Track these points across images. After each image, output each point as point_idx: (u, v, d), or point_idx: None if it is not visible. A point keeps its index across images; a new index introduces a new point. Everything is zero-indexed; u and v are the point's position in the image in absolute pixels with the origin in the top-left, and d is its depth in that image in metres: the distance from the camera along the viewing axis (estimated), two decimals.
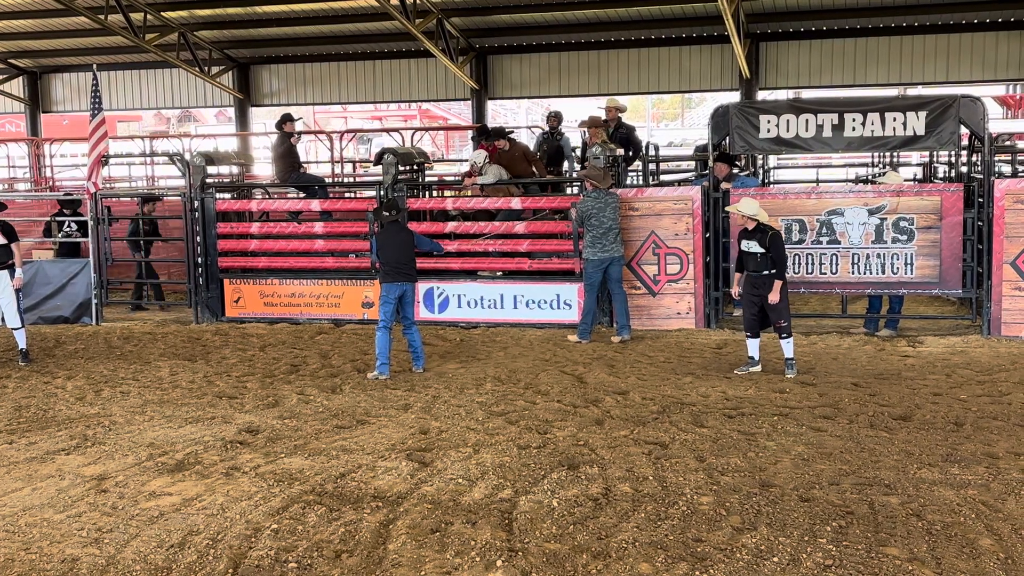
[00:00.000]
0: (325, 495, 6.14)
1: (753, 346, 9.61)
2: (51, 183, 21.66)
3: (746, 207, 9.43)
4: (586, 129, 13.94)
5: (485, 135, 14.06)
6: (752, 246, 9.42)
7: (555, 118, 15.16)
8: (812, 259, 11.39)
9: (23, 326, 10.90)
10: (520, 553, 5.16)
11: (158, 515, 5.82)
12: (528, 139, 21.94)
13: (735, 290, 9.83)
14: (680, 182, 14.06)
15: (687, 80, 21.44)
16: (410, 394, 8.89)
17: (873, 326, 11.61)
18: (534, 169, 13.57)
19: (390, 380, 9.49)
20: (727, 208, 10.62)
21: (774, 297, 9.34)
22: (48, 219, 15.07)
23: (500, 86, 22.02)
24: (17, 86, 24.05)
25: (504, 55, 21.83)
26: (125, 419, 8.21)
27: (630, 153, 13.90)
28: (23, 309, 11.15)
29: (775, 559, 5.05)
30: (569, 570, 4.97)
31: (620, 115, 14.40)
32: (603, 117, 14.35)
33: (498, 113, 29.62)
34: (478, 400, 8.59)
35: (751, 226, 9.43)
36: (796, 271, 11.33)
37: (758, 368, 9.52)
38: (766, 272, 9.37)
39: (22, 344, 10.80)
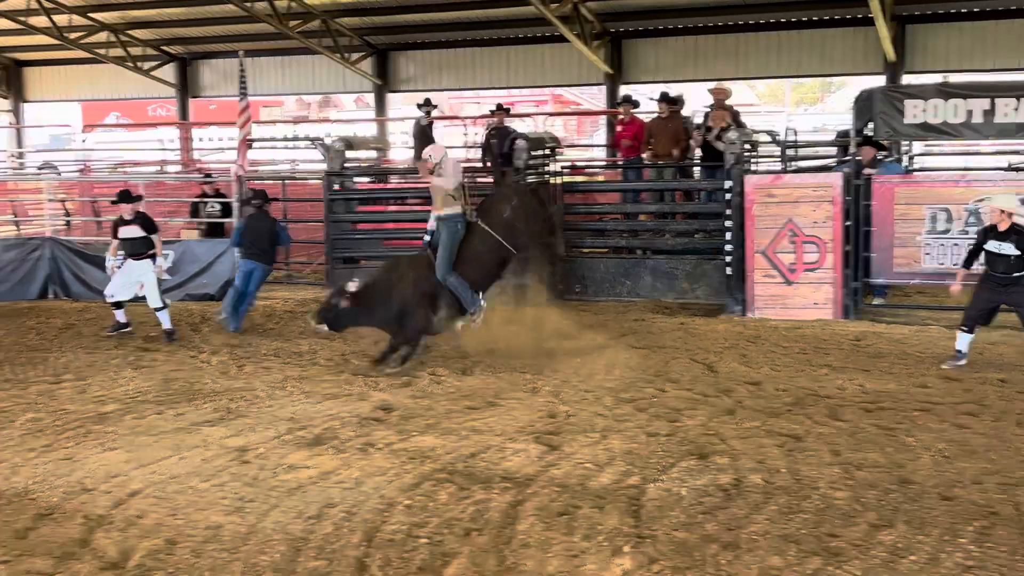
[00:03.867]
0: (456, 474, 6.24)
1: (965, 340, 9.09)
2: (198, 165, 22.58)
3: (1005, 202, 8.75)
4: (707, 112, 13.68)
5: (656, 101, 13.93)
6: (1006, 247, 8.67)
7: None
8: (958, 250, 10.90)
9: (166, 307, 11.41)
10: (648, 540, 5.14)
11: (296, 487, 6.03)
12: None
13: (956, 288, 9.24)
14: (819, 168, 13.67)
15: (828, 63, 20.77)
16: (539, 377, 8.93)
17: None
18: (675, 152, 13.42)
19: (519, 362, 9.53)
20: (980, 201, 10.06)
21: None
22: (195, 200, 15.72)
23: (634, 70, 21.79)
24: (169, 72, 25.07)
25: (639, 39, 21.59)
26: (266, 393, 8.52)
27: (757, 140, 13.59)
28: (172, 286, 11.70)
29: (913, 557, 4.89)
30: (698, 559, 4.92)
31: (725, 99, 14.04)
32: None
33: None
34: (607, 386, 8.57)
35: (1004, 225, 8.70)
36: (941, 262, 10.89)
37: (963, 362, 9.09)
38: (1017, 274, 8.69)
39: (167, 325, 11.30)
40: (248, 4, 19.53)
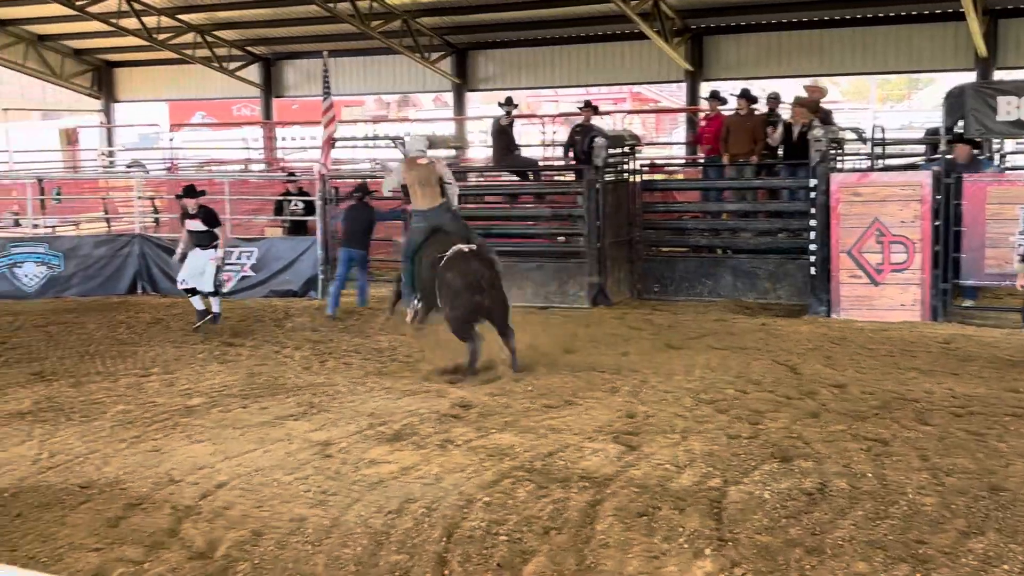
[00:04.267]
0: (534, 472, 6.24)
1: None
2: (281, 164, 22.97)
3: None
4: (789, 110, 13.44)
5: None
6: None
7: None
8: None
9: (219, 293, 12.01)
10: (730, 543, 5.08)
11: (378, 482, 6.09)
12: None
13: (1021, 282, 9.25)
14: (907, 166, 13.35)
15: (916, 59, 20.24)
16: (617, 377, 8.88)
17: None
18: (753, 149, 13.25)
19: (597, 361, 9.49)
20: None
21: None
22: (278, 198, 16.00)
23: (715, 67, 21.52)
24: (253, 72, 25.54)
25: (720, 35, 21.33)
26: (348, 389, 8.63)
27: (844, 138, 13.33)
28: (256, 282, 12.00)
29: (1005, 566, 4.75)
30: (781, 564, 4.84)
31: (820, 98, 13.77)
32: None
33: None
34: (687, 387, 8.48)
35: None
36: None
37: None
38: None
39: (215, 308, 11.85)
40: (331, 5, 19.81)
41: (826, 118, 13.49)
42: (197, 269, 11.70)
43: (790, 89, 20.58)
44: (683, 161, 18.65)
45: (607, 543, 5.09)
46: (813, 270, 11.80)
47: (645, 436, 7.00)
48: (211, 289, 11.84)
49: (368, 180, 15.27)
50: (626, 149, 13.83)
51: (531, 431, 7.18)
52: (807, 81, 14.59)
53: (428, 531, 5.29)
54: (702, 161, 14.67)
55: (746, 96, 13.57)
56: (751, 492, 5.80)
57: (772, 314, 12.00)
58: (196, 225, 11.70)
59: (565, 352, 10.02)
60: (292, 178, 15.76)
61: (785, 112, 13.52)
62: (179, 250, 11.94)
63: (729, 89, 15.32)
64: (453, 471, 6.27)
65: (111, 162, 25.73)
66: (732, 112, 13.86)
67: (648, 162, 14.92)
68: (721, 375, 8.91)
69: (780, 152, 13.35)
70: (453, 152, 15.78)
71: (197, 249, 11.72)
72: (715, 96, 14.28)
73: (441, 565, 4.91)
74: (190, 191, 11.75)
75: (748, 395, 8.16)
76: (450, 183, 10.06)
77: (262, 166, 23.72)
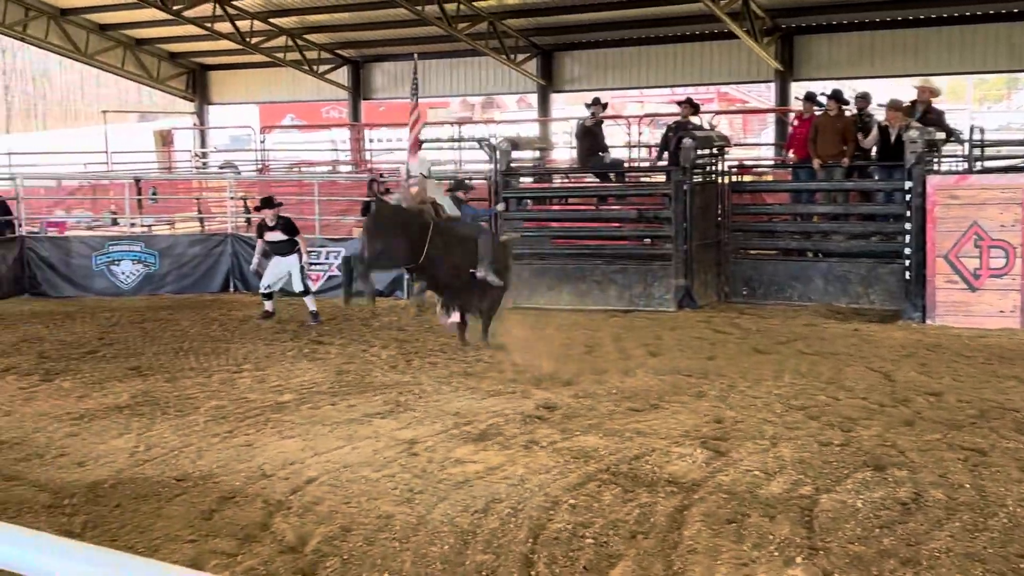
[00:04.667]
0: (620, 475, 6.20)
1: None
2: (369, 166, 23.25)
3: None
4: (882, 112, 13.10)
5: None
6: None
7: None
8: None
9: (309, 292, 12.37)
10: (821, 552, 4.97)
11: (463, 481, 6.12)
12: None
13: None
14: (1008, 168, 12.91)
15: (1018, 59, 19.55)
16: (703, 381, 8.78)
17: None
18: (845, 150, 12.96)
19: (683, 365, 9.39)
20: None
21: None
22: (366, 199, 16.19)
23: (806, 67, 21.13)
24: (342, 75, 25.92)
25: (811, 35, 20.94)
26: (433, 388, 8.69)
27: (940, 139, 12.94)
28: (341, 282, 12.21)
29: None
30: (875, 574, 4.72)
31: (932, 99, 13.38)
32: (914, 98, 13.41)
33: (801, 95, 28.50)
34: (776, 392, 8.34)
35: None
36: None
37: None
38: None
39: (311, 307, 12.25)
40: (419, 8, 20.00)
41: (939, 119, 13.06)
42: (280, 275, 12.17)
43: (883, 90, 20.13)
44: (772, 162, 18.34)
45: (695, 549, 5.03)
46: (908, 275, 11.51)
47: (733, 441, 6.90)
48: (301, 289, 12.11)
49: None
50: (714, 150, 13.65)
51: (616, 434, 7.14)
52: (917, 81, 14.17)
53: (514, 531, 5.29)
54: (791, 163, 14.39)
55: (836, 97, 13.28)
56: (843, 501, 5.67)
57: (864, 319, 11.73)
58: (276, 236, 12.09)
59: (650, 355, 9.94)
60: (380, 179, 15.93)
61: (879, 114, 13.19)
62: (255, 262, 12.38)
63: (819, 89, 15.02)
64: (538, 472, 6.27)
65: (204, 163, 26.39)
66: (821, 113, 13.57)
67: (736, 163, 14.70)
68: (811, 381, 8.74)
69: (873, 154, 13.03)
70: (538, 153, 15.76)
71: (276, 257, 12.14)
72: (810, 98, 13.97)
73: (527, 566, 4.91)
74: (268, 202, 12.10)
75: (840, 402, 7.99)
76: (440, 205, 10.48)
77: (350, 167, 24.04)
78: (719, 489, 5.90)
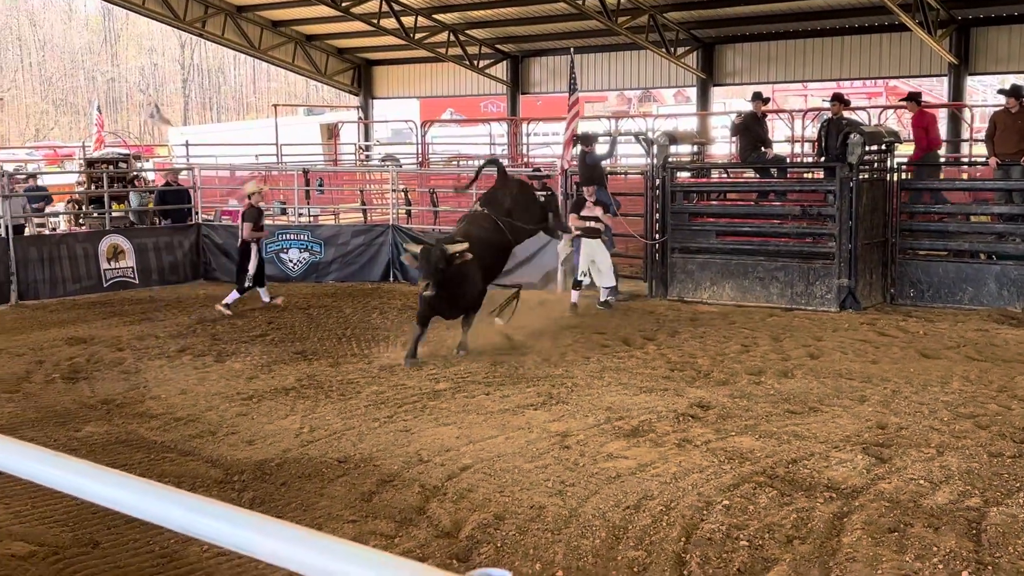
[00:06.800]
0: (776, 478, 6.08)
1: None
2: (526, 159, 23.46)
3: None
4: None
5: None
6: None
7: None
8: None
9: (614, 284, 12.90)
10: (989, 567, 4.77)
11: (615, 476, 6.13)
12: None
13: None
14: None
15: None
16: (867, 385, 8.50)
17: None
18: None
19: (844, 369, 9.11)
20: None
21: None
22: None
23: (983, 60, 20.08)
24: (501, 69, 26.24)
25: (989, 26, 19.89)
26: (585, 382, 8.72)
27: None
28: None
29: None
30: None
31: None
32: None
33: (975, 90, 27.10)
34: (943, 399, 7.99)
35: None
36: None
37: None
38: None
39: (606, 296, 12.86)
40: (579, 2, 20.03)
41: None
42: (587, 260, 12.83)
43: None
44: (944, 160, 17.50)
45: (854, 557, 4.89)
46: None
47: (897, 448, 6.67)
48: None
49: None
50: (883, 147, 13.15)
51: (773, 436, 7.00)
52: None
53: (666, 530, 5.27)
54: (965, 160, 13.70)
55: (1016, 93, 12.57)
56: (1014, 515, 5.41)
57: None
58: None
59: (810, 357, 9.69)
60: (537, 174, 16.06)
61: None
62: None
63: (997, 84, 14.24)
64: (691, 471, 6.22)
65: (367, 156, 27.18)
66: (1000, 109, 12.89)
67: (906, 160, 14.11)
68: (982, 388, 8.34)
69: None
70: (696, 148, 15.55)
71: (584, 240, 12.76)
72: (1015, 93, 12.99)
73: (680, 565, 4.89)
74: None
75: (1012, 411, 7.59)
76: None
77: (507, 161, 24.30)
78: (881, 497, 5.71)
